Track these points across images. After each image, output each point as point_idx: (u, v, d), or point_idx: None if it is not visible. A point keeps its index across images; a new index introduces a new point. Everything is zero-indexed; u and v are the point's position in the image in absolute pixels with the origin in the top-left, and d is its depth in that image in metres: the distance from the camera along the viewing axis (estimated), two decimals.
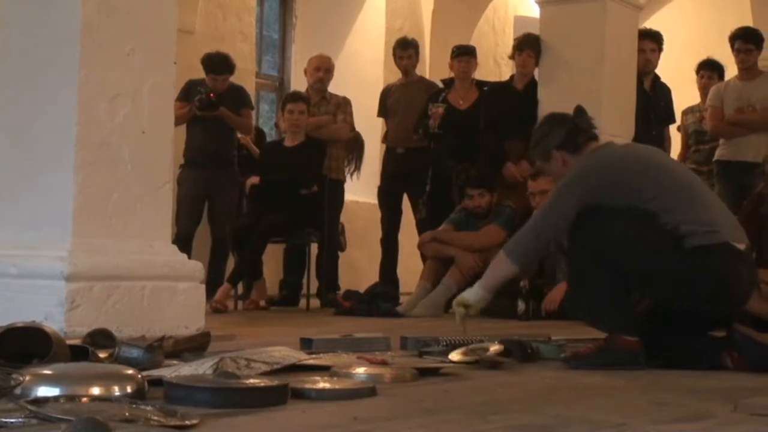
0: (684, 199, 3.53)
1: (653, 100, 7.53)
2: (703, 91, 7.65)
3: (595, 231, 3.47)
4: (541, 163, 3.85)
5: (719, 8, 11.03)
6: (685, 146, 7.91)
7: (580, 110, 3.81)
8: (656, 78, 7.67)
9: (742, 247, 3.52)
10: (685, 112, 7.99)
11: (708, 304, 3.48)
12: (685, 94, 8.12)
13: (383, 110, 8.11)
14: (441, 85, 7.88)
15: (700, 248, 3.42)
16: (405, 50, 8.00)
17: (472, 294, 3.76)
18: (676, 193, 3.54)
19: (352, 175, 7.94)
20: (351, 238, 8.13)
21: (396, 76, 8.33)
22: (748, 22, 8.54)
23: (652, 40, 7.55)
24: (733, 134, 7.13)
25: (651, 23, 9.52)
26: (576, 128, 3.72)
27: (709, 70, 7.75)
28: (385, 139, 8.11)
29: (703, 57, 7.92)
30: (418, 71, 8.42)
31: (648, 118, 7.36)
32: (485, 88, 7.68)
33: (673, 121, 7.90)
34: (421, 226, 7.44)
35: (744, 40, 7.20)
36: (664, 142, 7.59)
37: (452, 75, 7.74)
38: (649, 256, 3.46)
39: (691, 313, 3.50)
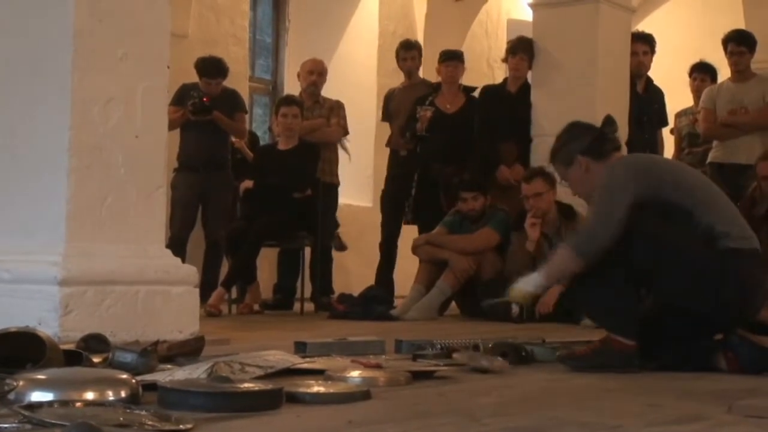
0: (719, 202, 3.59)
1: (646, 103, 7.54)
2: (696, 93, 7.66)
3: (626, 226, 3.47)
4: (561, 168, 3.81)
5: (712, 11, 11.05)
6: (679, 149, 7.92)
7: (609, 120, 3.80)
8: (649, 81, 7.69)
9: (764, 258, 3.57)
10: (678, 115, 8.00)
11: (725, 308, 3.47)
12: (677, 97, 8.13)
13: (387, 114, 8.11)
14: None
15: (733, 251, 3.44)
16: (408, 51, 8.01)
17: (532, 284, 3.71)
18: (711, 196, 3.59)
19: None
20: (345, 241, 8.13)
21: (389, 79, 8.34)
22: (741, 24, 8.55)
23: (644, 43, 7.56)
24: (726, 136, 7.14)
25: (643, 26, 9.54)
26: (603, 136, 3.73)
27: (702, 72, 7.75)
28: (389, 143, 8.10)
29: (695, 59, 7.93)
30: None
31: (641, 120, 7.37)
32: (472, 93, 7.68)
33: (666, 123, 7.91)
34: (424, 230, 7.39)
35: (737, 42, 7.21)
36: (657, 145, 7.60)
37: (439, 79, 7.74)
38: (679, 251, 3.46)
39: (694, 317, 3.50)
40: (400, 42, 8.30)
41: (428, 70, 9.81)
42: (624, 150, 6.89)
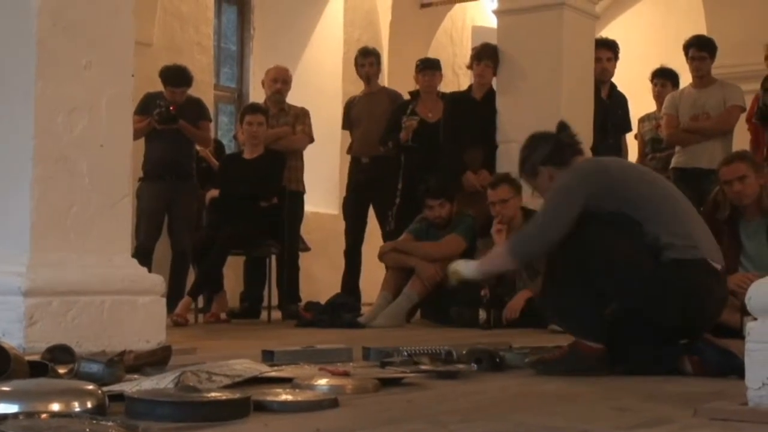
0: (668, 212, 3.58)
1: (610, 109, 7.59)
2: (658, 99, 7.73)
3: (578, 234, 3.50)
4: (530, 180, 3.88)
5: (674, 17, 11.16)
6: (642, 154, 7.98)
7: (562, 125, 3.85)
8: (613, 87, 7.74)
9: (718, 267, 3.57)
10: (641, 120, 8.06)
11: (678, 318, 3.50)
12: (641, 103, 8.19)
13: (347, 122, 8.12)
14: (405, 95, 7.91)
15: (677, 262, 3.46)
16: (366, 58, 8.03)
17: (468, 270, 3.86)
18: (661, 205, 3.59)
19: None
20: (311, 249, 8.12)
21: (354, 86, 8.36)
22: (702, 30, 8.63)
23: (608, 49, 7.62)
24: (688, 141, 7.21)
25: (607, 32, 9.60)
26: (560, 143, 3.76)
27: (663, 78, 7.82)
28: (350, 150, 8.11)
29: (658, 65, 8.00)
30: None
31: (605, 126, 7.42)
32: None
33: (630, 129, 7.97)
34: (389, 239, 7.40)
35: (698, 47, 7.28)
36: (621, 151, 7.66)
37: (417, 87, 7.77)
38: (626, 265, 3.49)
39: (657, 323, 3.52)
40: (358, 49, 8.34)
41: (393, 77, 9.85)
42: (589, 154, 6.97)
